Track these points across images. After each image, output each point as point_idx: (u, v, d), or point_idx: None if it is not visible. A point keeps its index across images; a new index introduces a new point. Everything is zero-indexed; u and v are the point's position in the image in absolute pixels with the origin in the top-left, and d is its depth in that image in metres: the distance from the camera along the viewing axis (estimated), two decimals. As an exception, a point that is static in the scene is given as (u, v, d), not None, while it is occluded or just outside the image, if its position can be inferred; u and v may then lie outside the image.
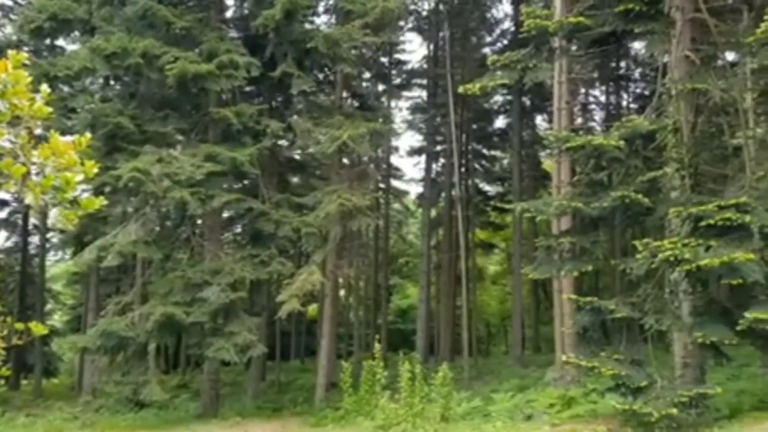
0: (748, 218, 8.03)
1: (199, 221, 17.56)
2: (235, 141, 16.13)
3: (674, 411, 7.84)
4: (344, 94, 19.99)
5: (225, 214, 18.04)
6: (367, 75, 23.94)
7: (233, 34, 18.52)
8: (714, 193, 9.08)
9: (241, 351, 14.97)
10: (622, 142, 9.23)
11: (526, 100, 24.79)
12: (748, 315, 7.64)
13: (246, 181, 17.93)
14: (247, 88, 17.83)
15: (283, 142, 19.14)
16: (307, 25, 17.29)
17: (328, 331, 17.90)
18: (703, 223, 8.31)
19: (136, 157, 14.87)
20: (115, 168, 14.54)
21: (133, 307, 15.95)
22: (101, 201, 3.18)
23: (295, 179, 23.02)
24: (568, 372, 12.89)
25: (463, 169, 25.76)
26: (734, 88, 9.21)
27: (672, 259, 8.07)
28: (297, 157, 21.34)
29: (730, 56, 10.28)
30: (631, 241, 11.06)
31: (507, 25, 25.05)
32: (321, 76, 19.45)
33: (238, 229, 19.45)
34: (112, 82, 19.76)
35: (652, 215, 9.71)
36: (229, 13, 19.15)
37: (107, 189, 15.58)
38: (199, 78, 15.23)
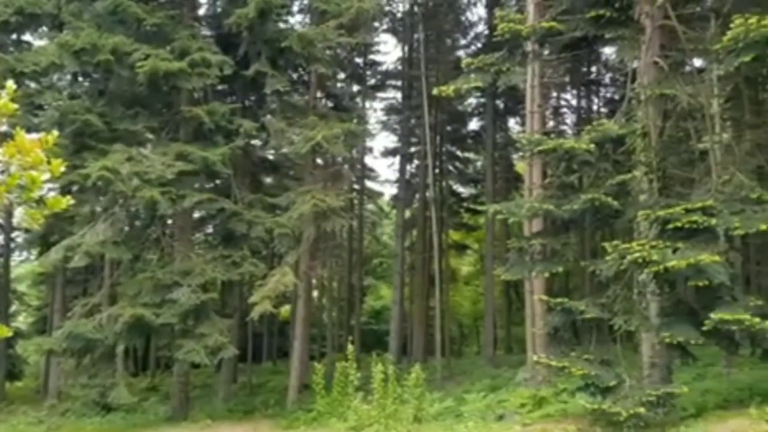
0: (714, 221, 8.21)
1: (170, 221, 17.31)
2: (207, 140, 15.94)
3: (642, 410, 7.98)
4: (318, 95, 19.92)
5: (196, 215, 17.82)
6: (341, 75, 23.91)
7: (206, 32, 18.31)
8: (681, 197, 9.27)
9: (212, 353, 14.79)
10: (592, 146, 9.37)
11: (500, 103, 25.03)
12: (713, 316, 7.80)
13: (218, 181, 17.74)
14: (220, 87, 17.64)
15: (256, 142, 18.97)
16: (282, 25, 17.17)
17: (300, 332, 17.79)
18: (670, 226, 8.48)
19: (105, 155, 14.59)
20: (84, 166, 14.24)
21: (101, 309, 15.64)
22: (68, 200, 3.12)
23: (268, 179, 22.85)
24: (540, 372, 13.05)
25: (437, 171, 25.88)
26: (701, 93, 9.42)
27: (640, 260, 8.21)
28: (270, 157, 21.19)
29: (698, 63, 10.54)
30: (601, 242, 11.24)
31: (481, 28, 25.25)
32: (295, 75, 19.32)
33: (210, 230, 19.23)
34: (80, 79, 19.33)
35: (621, 218, 9.88)
36: (201, 11, 18.94)
37: (75, 188, 15.28)
38: (171, 76, 15.01)
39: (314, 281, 24.52)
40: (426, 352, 24.41)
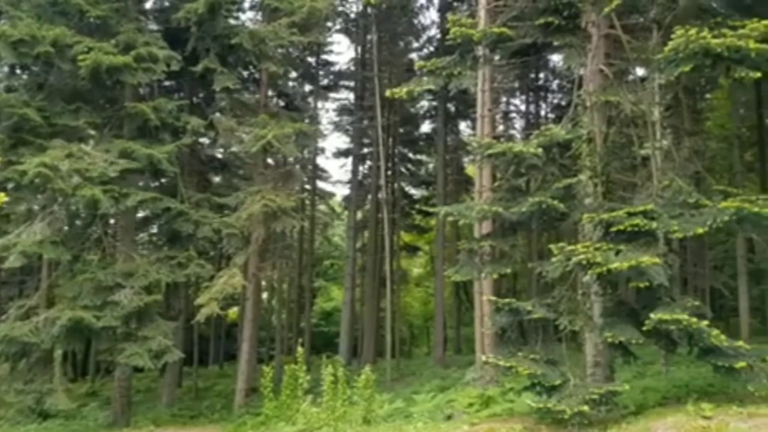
0: (654, 224, 8.49)
1: (112, 221, 16.76)
2: (152, 137, 15.49)
3: (585, 408, 8.16)
4: (270, 93, 19.67)
5: (140, 214, 17.26)
6: (293, 74, 23.67)
7: (153, 26, 17.79)
8: (624, 201, 9.56)
9: (156, 357, 14.38)
10: (540, 150, 9.55)
11: (451, 107, 25.30)
12: (653, 316, 8.06)
13: (164, 180, 17.25)
14: (167, 83, 17.21)
15: (204, 140, 18.58)
16: (232, 21, 16.87)
17: (248, 334, 17.49)
18: (613, 229, 8.72)
19: (44, 151, 13.96)
20: (20, 163, 13.62)
21: (37, 311, 14.94)
22: (3, 198, 2.94)
23: (216, 178, 22.40)
24: (488, 372, 13.22)
25: (389, 172, 25.96)
26: (643, 101, 9.74)
27: (585, 262, 8.41)
28: (219, 155, 20.79)
29: (641, 71, 10.88)
30: (547, 244, 11.49)
31: (434, 32, 25.47)
32: (246, 73, 19.03)
33: (155, 230, 18.65)
34: (18, 72, 18.43)
35: (567, 220, 10.10)
36: (148, 4, 18.38)
37: (11, 185, 14.55)
38: (115, 70, 14.52)
39: (263, 283, 24.14)
40: (376, 353, 24.42)
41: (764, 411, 7.55)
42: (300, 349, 11.81)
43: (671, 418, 7.98)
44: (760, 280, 19.71)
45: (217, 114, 17.34)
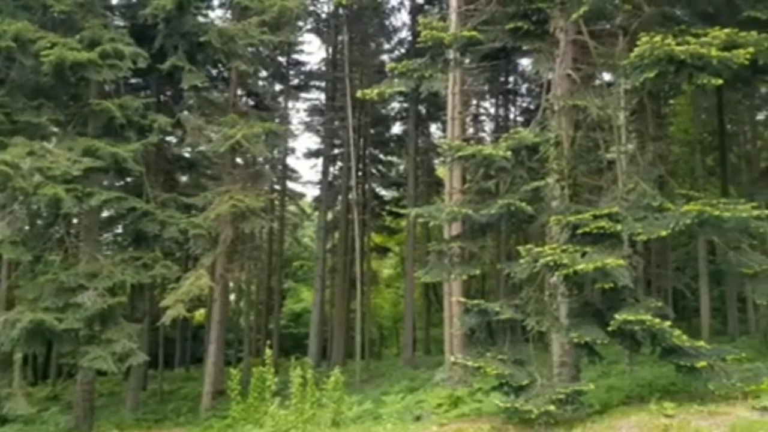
0: (619, 227, 8.66)
1: (75, 220, 16.38)
2: (117, 135, 15.16)
3: (552, 408, 8.26)
4: (239, 92, 19.47)
5: (104, 214, 16.90)
6: (263, 74, 23.47)
7: (119, 22, 17.44)
8: (590, 203, 9.71)
9: (120, 360, 14.07)
10: (509, 153, 9.65)
11: (422, 109, 25.41)
12: (617, 316, 8.21)
13: (129, 179, 16.93)
14: (133, 80, 16.87)
15: (171, 139, 18.27)
16: (201, 18, 16.65)
17: (216, 336, 17.26)
18: (579, 231, 8.87)
19: (5, 149, 13.54)
20: (-21, 160, 13.17)
21: (-4, 314, 14.48)
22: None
23: (183, 178, 22.06)
24: (456, 372, 13.29)
25: (360, 173, 25.93)
26: (609, 106, 9.93)
27: (552, 264, 8.52)
28: (186, 155, 20.47)
29: (607, 77, 11.10)
30: (516, 246, 11.61)
31: (405, 34, 25.57)
32: (214, 72, 18.80)
33: (119, 230, 18.27)
34: (-23, 66, 17.86)
35: (535, 222, 10.24)
36: (115, 0, 18.01)
37: (-32, 183, 14.07)
38: (79, 66, 14.17)
39: (231, 284, 23.89)
40: (346, 354, 24.36)
41: (724, 409, 7.76)
42: (268, 351, 11.70)
43: (635, 416, 8.13)
44: (721, 281, 20.30)
45: (185, 112, 17.08)
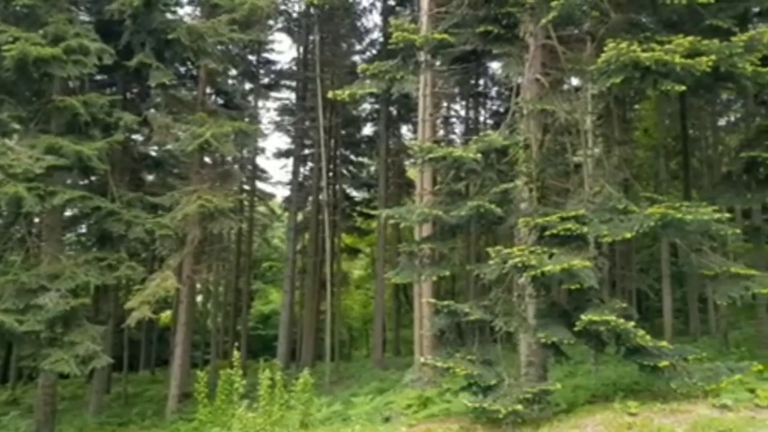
0: (585, 229, 8.81)
1: (37, 220, 15.92)
2: (81, 133, 14.81)
3: (519, 407, 8.34)
4: (208, 90, 19.22)
5: (67, 213, 16.48)
6: (233, 72, 23.19)
7: (84, 17, 17.04)
8: (557, 206, 9.86)
9: (83, 362, 13.74)
10: (479, 155, 9.73)
11: (393, 110, 25.47)
12: (583, 317, 8.35)
13: (93, 178, 16.56)
14: (99, 77, 16.50)
15: (137, 137, 17.92)
16: (169, 15, 16.36)
17: (182, 338, 17.00)
18: (547, 233, 8.99)
19: (-38, 145, 13.13)
20: (-65, 157, 12.73)
21: (-48, 315, 13.99)
22: None
23: (150, 177, 21.65)
24: (426, 373, 13.34)
25: (330, 174, 25.85)
26: (577, 110, 10.09)
27: (520, 265, 8.62)
28: (153, 153, 20.10)
29: (575, 81, 11.29)
30: (485, 248, 11.71)
31: (376, 35, 25.61)
32: (183, 69, 18.52)
33: (83, 230, 17.85)
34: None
35: (504, 224, 10.34)
36: (80, -6, 17.58)
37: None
38: (42, 62, 13.79)
39: (198, 285, 23.54)
40: (315, 356, 24.25)
41: (685, 407, 7.95)
42: (236, 352, 11.55)
43: (600, 415, 8.27)
44: (683, 282, 20.81)
45: (152, 110, 16.80)
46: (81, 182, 16.26)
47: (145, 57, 15.15)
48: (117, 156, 16.54)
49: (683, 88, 8.42)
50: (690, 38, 8.35)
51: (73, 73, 14.33)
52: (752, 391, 8.19)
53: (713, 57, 8.31)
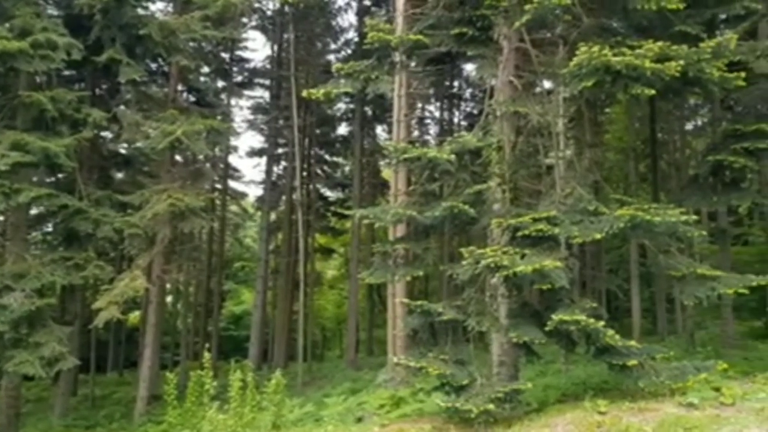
0: (556, 230, 8.91)
1: (2, 218, 15.52)
2: (49, 129, 14.50)
3: (491, 406, 8.39)
4: (179, 88, 18.95)
5: (33, 211, 16.09)
6: (206, 69, 22.93)
7: (53, 11, 16.67)
8: (529, 207, 9.95)
9: (48, 364, 13.43)
10: (453, 156, 9.77)
11: (368, 110, 25.45)
12: (554, 317, 8.43)
13: (61, 175, 16.20)
14: (67, 72, 16.15)
15: (106, 134, 17.58)
16: (140, 11, 16.10)
17: (151, 339, 16.71)
18: (519, 234, 9.07)
19: None
20: None
21: None
22: None
23: (119, 175, 21.24)
24: (399, 373, 13.36)
25: (304, 174, 25.70)
26: (549, 113, 10.19)
27: (492, 265, 8.67)
28: (123, 151, 19.75)
29: (547, 84, 11.41)
30: (458, 248, 11.77)
31: (351, 34, 25.55)
32: (154, 66, 18.22)
33: (49, 228, 17.44)
34: None
35: (477, 225, 10.39)
36: (48, -13, 17.17)
37: None
38: (8, 56, 13.48)
39: (169, 285, 23.19)
40: (288, 357, 24.10)
41: (653, 406, 8.09)
42: (207, 353, 11.39)
43: (570, 414, 8.37)
44: (651, 283, 21.24)
45: (122, 107, 16.53)
46: (48, 180, 15.91)
47: (116, 53, 14.89)
48: (85, 153, 16.22)
49: (653, 92, 8.56)
50: (660, 43, 8.50)
51: (41, 68, 14.02)
52: (717, 389, 8.37)
53: (682, 62, 8.47)
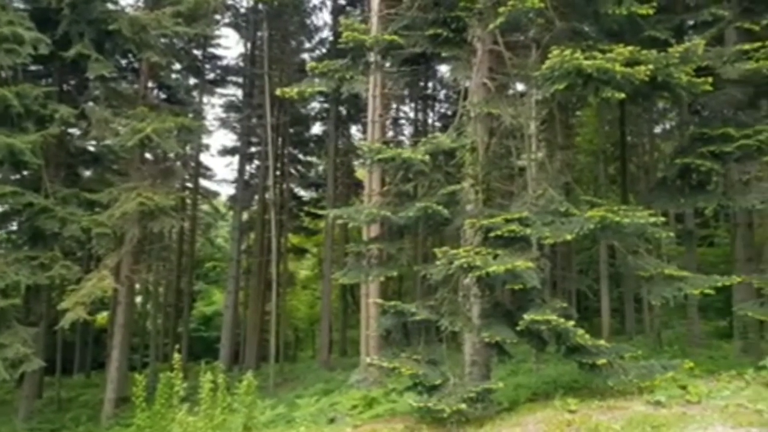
0: (528, 230, 8.99)
1: (-37, 216, 15.05)
2: (14, 125, 14.13)
3: (463, 406, 8.42)
4: (150, 84, 18.64)
5: (-3, 209, 15.66)
6: (177, 66, 22.57)
7: (19, 4, 16.22)
8: (502, 208, 10.03)
9: (12, 366, 13.10)
10: (427, 157, 9.79)
11: (343, 110, 25.39)
12: (526, 316, 8.51)
13: (26, 172, 15.77)
14: (33, 67, 15.75)
15: (74, 131, 17.19)
16: (110, 5, 15.82)
17: (119, 341, 16.40)
18: (492, 234, 9.13)
19: None
20: None
21: None
22: None
23: (87, 173, 20.78)
24: (372, 373, 13.34)
25: (278, 173, 25.52)
26: (522, 115, 10.29)
27: (465, 265, 8.71)
28: (91, 148, 19.31)
29: (520, 87, 11.52)
30: (432, 248, 11.81)
31: (326, 33, 25.49)
32: (124, 62, 17.88)
33: (14, 227, 16.97)
34: None
35: (450, 225, 10.44)
36: (13, -20, 16.72)
37: None
38: (-29, 49, 13.07)
39: (138, 286, 22.78)
40: (259, 358, 23.88)
41: (622, 404, 8.22)
42: (176, 355, 11.20)
43: (540, 413, 8.45)
44: (619, 283, 21.62)
45: (90, 103, 16.17)
46: (12, 177, 15.49)
47: (84, 48, 14.58)
48: (52, 150, 15.84)
49: (623, 95, 8.70)
50: (630, 48, 8.64)
51: (6, 62, 13.68)
52: (684, 387, 8.55)
53: (651, 66, 8.63)
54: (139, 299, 27.31)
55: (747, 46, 10.33)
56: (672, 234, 9.88)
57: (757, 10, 11.10)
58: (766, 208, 10.86)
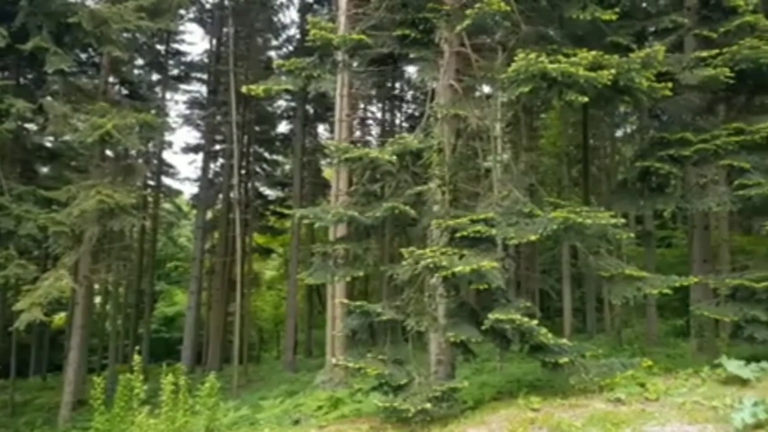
0: (493, 231, 9.08)
1: None
2: (-34, 119, 13.58)
3: (428, 405, 8.44)
4: (111, 79, 18.19)
5: (-52, 206, 15.01)
6: (139, 62, 22.12)
7: (-28, -6, 15.62)
8: (468, 208, 10.09)
9: (-37, 369, 12.57)
10: (394, 158, 9.79)
11: (310, 109, 25.26)
12: (490, 316, 8.58)
13: (-21, 168, 15.19)
14: (-12, 60, 15.17)
15: (31, 126, 16.65)
16: (70, -3, 15.33)
17: (77, 342, 15.94)
18: (458, 235, 9.19)
19: None
20: None
21: None
22: None
23: (44, 170, 20.17)
24: (337, 374, 13.29)
25: (243, 171, 25.22)
26: (488, 117, 10.38)
27: (432, 266, 8.74)
28: (48, 144, 18.75)
29: (486, 89, 11.62)
30: (398, 248, 11.82)
31: (293, 31, 25.31)
32: (84, 56, 17.40)
33: (-34, 225, 16.33)
34: None
35: (417, 225, 10.47)
36: (-34, -31, 16.08)
37: None
38: None
39: (97, 286, 22.22)
40: (223, 359, 23.57)
41: (583, 402, 8.37)
42: (137, 356, 10.94)
43: (504, 411, 8.54)
44: (581, 283, 22.07)
45: (48, 98, 15.66)
46: (-36, 173, 14.88)
47: (42, 41, 14.13)
48: (7, 146, 15.34)
49: (586, 99, 8.85)
50: (593, 53, 8.81)
51: (-42, 54, 13.12)
52: (643, 385, 8.75)
53: (613, 71, 8.80)
54: (98, 300, 26.65)
55: (705, 53, 10.64)
56: (632, 235, 10.10)
57: (715, 18, 11.44)
58: (722, 211, 11.21)
